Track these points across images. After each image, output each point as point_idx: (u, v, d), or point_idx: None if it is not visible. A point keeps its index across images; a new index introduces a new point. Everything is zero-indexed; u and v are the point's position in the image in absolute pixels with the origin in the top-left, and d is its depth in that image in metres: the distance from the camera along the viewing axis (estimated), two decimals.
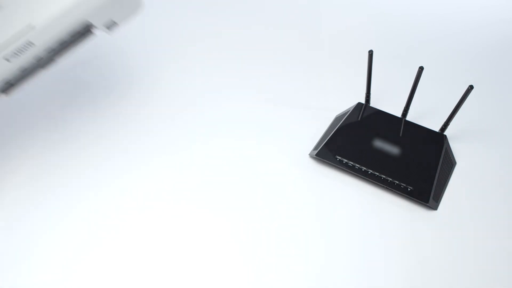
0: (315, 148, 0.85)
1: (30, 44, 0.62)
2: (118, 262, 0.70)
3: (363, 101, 0.89)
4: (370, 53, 0.80)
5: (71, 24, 0.62)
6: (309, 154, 0.85)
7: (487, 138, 0.87)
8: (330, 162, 0.82)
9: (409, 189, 0.77)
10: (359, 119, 0.86)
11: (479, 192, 0.79)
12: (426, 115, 0.90)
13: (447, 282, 0.69)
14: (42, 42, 0.62)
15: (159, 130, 0.88)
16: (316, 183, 0.81)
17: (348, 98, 0.91)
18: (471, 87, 0.74)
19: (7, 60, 0.62)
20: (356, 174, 0.80)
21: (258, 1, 1.17)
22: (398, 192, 0.78)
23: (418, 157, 0.80)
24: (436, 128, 0.84)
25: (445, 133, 0.83)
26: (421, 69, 0.76)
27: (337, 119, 0.89)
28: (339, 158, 0.82)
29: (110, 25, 0.67)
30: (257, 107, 0.93)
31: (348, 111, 0.88)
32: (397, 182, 0.78)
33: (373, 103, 0.90)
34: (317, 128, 0.89)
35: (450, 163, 0.82)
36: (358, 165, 0.80)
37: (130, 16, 0.68)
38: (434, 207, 0.77)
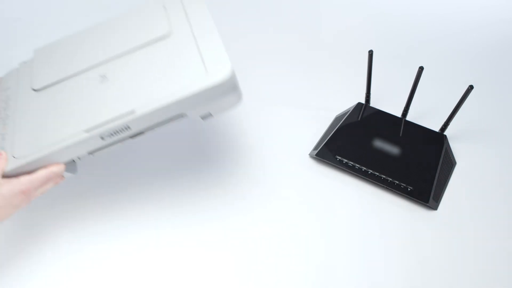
0: (315, 148, 0.85)
1: (127, 127, 0.62)
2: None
3: (363, 101, 0.89)
4: (370, 53, 0.80)
5: (170, 114, 0.63)
6: (309, 154, 0.85)
7: (487, 138, 0.87)
8: (330, 162, 0.82)
9: (409, 189, 0.77)
10: (359, 119, 0.86)
11: (479, 192, 0.79)
12: (426, 115, 0.90)
13: (447, 282, 0.69)
14: (139, 127, 0.63)
15: None
16: (316, 183, 0.81)
17: (348, 98, 0.92)
18: (471, 87, 0.74)
19: (102, 138, 0.63)
20: (356, 174, 0.80)
21: (257, 1, 1.17)
22: (398, 192, 0.78)
23: (418, 157, 0.80)
24: (436, 128, 0.84)
25: (445, 133, 0.83)
26: (421, 69, 0.76)
27: (337, 119, 0.89)
28: (339, 158, 0.82)
29: (205, 116, 0.66)
30: (256, 107, 0.93)
31: (348, 111, 0.88)
32: (397, 182, 0.78)
33: (373, 103, 0.90)
34: (317, 128, 0.89)
35: (450, 163, 0.82)
36: (358, 165, 0.80)
37: (228, 110, 0.68)
38: (434, 207, 0.77)
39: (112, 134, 0.63)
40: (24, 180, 0.61)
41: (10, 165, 0.62)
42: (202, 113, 0.65)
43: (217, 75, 0.61)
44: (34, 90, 0.70)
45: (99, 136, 0.62)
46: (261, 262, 0.71)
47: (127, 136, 0.64)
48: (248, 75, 1.00)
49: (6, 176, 0.62)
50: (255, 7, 1.16)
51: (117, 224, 0.75)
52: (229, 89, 0.62)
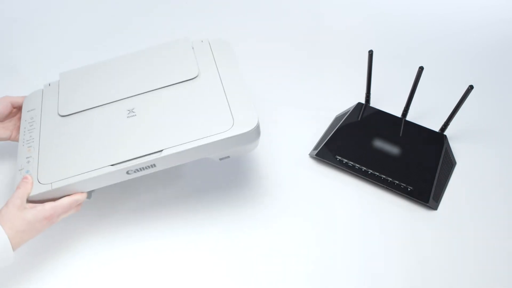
0: (315, 148, 0.85)
1: (152, 165, 0.64)
2: None
3: (363, 101, 0.89)
4: (370, 53, 0.80)
5: (195, 156, 0.65)
6: (309, 154, 0.85)
7: (487, 138, 0.87)
8: (330, 162, 0.82)
9: (409, 189, 0.77)
10: (359, 119, 0.86)
11: (479, 192, 0.79)
12: (426, 115, 0.90)
13: (447, 282, 0.69)
14: (164, 165, 0.65)
15: None
16: (316, 183, 0.81)
17: (348, 98, 0.92)
18: (471, 87, 0.74)
19: (128, 173, 0.65)
20: (356, 174, 0.80)
21: (257, 1, 1.17)
22: (398, 192, 0.78)
23: (418, 157, 0.81)
24: (436, 128, 0.84)
25: (445, 133, 0.83)
26: (421, 69, 0.76)
27: (337, 119, 0.89)
28: (339, 158, 0.82)
29: (224, 158, 0.69)
30: (256, 107, 0.92)
31: (348, 111, 0.88)
32: (397, 182, 0.78)
33: (373, 103, 0.90)
34: (317, 128, 0.89)
35: (450, 163, 0.82)
36: (358, 165, 0.80)
37: (245, 154, 0.71)
38: (434, 207, 0.77)
39: (137, 170, 0.65)
40: (49, 207, 0.63)
41: (35, 191, 0.64)
42: (222, 155, 0.68)
43: (244, 126, 0.64)
44: (61, 115, 0.70)
45: (125, 171, 0.64)
46: (260, 261, 0.71)
47: (151, 171, 0.66)
48: (248, 75, 1.00)
49: (31, 200, 0.64)
50: (255, 7, 1.16)
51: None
52: (253, 138, 0.65)
